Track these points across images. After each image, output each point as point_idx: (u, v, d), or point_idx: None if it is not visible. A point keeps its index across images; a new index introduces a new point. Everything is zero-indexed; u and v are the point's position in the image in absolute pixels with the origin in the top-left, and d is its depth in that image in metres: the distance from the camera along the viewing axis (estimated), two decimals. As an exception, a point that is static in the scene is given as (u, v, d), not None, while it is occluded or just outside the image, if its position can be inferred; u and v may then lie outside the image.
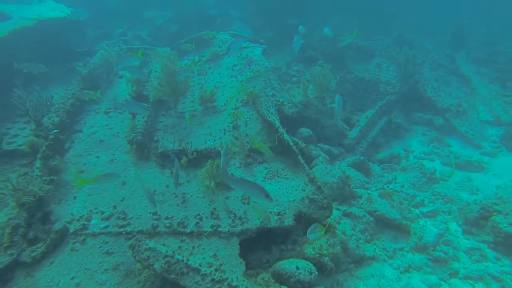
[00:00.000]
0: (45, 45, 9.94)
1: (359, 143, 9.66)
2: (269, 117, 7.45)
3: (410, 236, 6.36)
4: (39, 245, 4.95)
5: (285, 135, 6.96)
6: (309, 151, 8.43)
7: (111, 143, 7.34)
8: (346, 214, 6.92)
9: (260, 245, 5.95)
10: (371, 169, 8.76)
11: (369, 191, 7.68)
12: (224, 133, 7.81)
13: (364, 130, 9.96)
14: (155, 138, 7.66)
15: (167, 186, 6.41)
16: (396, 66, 12.93)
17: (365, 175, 8.64)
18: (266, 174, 6.74)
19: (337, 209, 7.04)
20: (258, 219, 5.75)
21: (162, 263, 4.52)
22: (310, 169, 7.98)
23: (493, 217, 6.12)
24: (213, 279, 4.40)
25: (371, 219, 6.86)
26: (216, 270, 4.82)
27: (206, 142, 7.60)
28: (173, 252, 4.67)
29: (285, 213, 5.89)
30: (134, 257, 4.65)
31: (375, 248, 6.27)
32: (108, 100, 8.80)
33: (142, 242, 4.75)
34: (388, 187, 8.10)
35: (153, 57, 10.35)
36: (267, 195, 4.55)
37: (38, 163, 5.99)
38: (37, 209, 5.33)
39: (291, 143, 6.81)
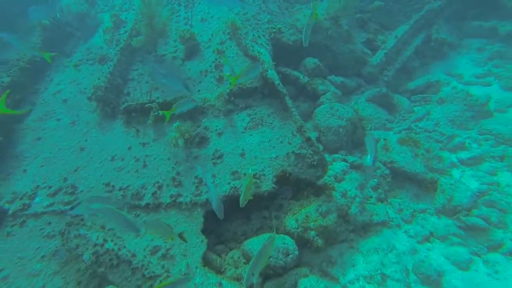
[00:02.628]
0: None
1: (384, 71, 7.64)
2: (252, 51, 5.85)
3: (436, 194, 4.78)
4: (-29, 231, 4.35)
5: (269, 71, 5.38)
6: (314, 86, 6.76)
7: (76, 102, 6.39)
8: (355, 166, 5.45)
9: (239, 212, 4.88)
10: (397, 103, 6.89)
11: (389, 135, 6.00)
12: (205, 75, 6.43)
13: (391, 54, 7.83)
14: (126, 91, 6.54)
15: (130, 148, 5.42)
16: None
17: (388, 112, 6.84)
18: (248, 122, 5.39)
19: (344, 159, 5.57)
20: (228, 184, 4.60)
21: (90, 253, 3.65)
22: (316, 108, 6.48)
23: None
24: (143, 275, 3.43)
25: (387, 171, 5.32)
26: (162, 256, 3.87)
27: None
28: (104, 240, 3.74)
29: (263, 174, 4.63)
30: (63, 245, 3.84)
31: (387, 211, 4.84)
32: (81, 51, 7.74)
33: (73, 226, 3.89)
34: (417, 126, 6.29)
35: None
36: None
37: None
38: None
39: (277, 81, 5.24)
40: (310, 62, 7.06)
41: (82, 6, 8.37)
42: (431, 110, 6.48)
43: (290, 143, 4.77)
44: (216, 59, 6.55)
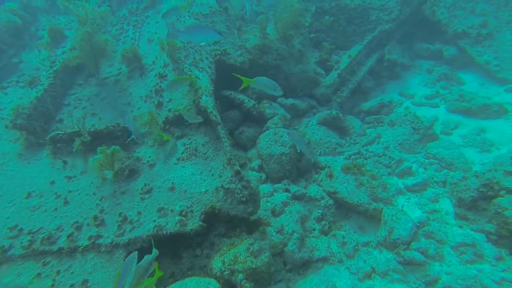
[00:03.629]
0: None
1: (338, 92, 7.47)
2: (190, 75, 5.53)
3: (380, 226, 4.51)
4: None
5: (203, 97, 5.06)
6: (260, 110, 6.48)
7: (-5, 130, 5.84)
8: (297, 197, 5.13)
9: (170, 249, 4.44)
10: (348, 125, 6.69)
11: (338, 160, 5.74)
12: (145, 101, 6.04)
13: (345, 74, 7.69)
14: (58, 117, 6.05)
15: (52, 182, 4.92)
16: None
17: (340, 135, 6.63)
18: (182, 153, 5.02)
19: (287, 190, 5.25)
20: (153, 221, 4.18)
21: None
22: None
23: (499, 198, 4.05)
24: None
25: (331, 202, 5.04)
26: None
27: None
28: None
29: (191, 211, 4.24)
30: None
31: (329, 245, 4.52)
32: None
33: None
34: (367, 150, 6.08)
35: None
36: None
37: None
38: None
39: (209, 109, 4.91)
40: (258, 84, 6.78)
41: (15, 17, 7.77)
42: (382, 133, 6.30)
43: (221, 176, 4.42)
44: (157, 83, 6.19)
